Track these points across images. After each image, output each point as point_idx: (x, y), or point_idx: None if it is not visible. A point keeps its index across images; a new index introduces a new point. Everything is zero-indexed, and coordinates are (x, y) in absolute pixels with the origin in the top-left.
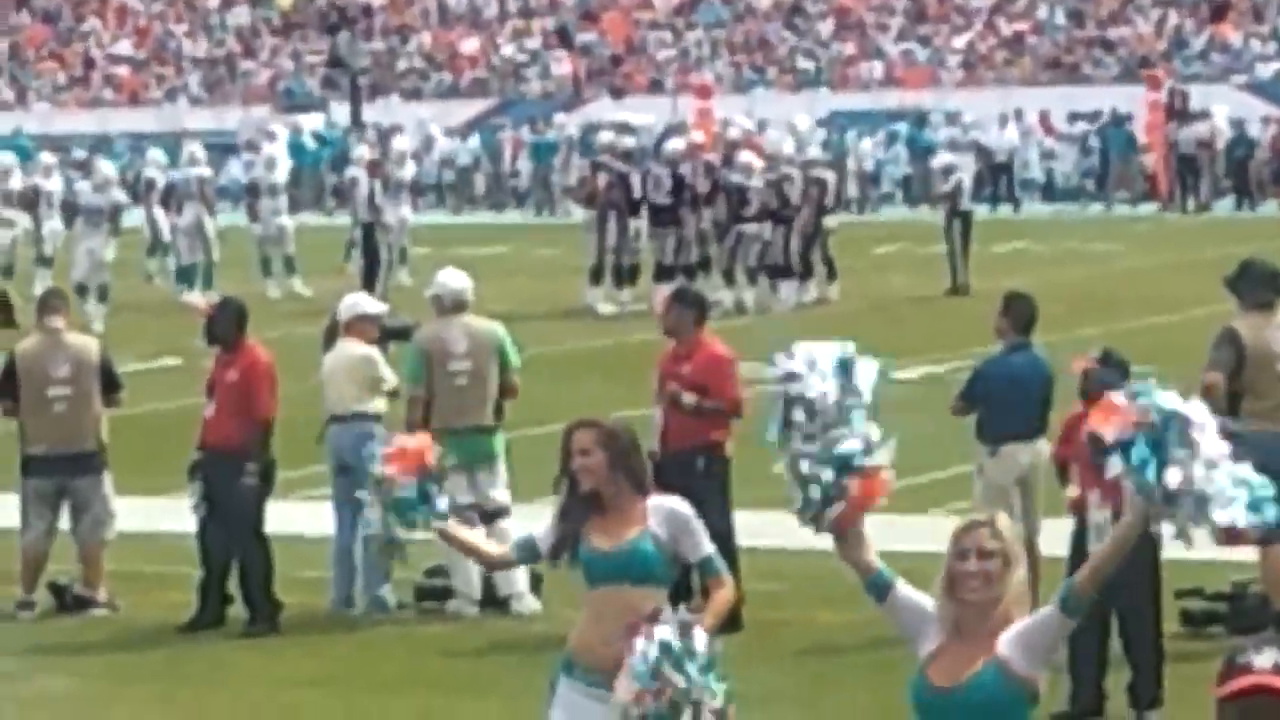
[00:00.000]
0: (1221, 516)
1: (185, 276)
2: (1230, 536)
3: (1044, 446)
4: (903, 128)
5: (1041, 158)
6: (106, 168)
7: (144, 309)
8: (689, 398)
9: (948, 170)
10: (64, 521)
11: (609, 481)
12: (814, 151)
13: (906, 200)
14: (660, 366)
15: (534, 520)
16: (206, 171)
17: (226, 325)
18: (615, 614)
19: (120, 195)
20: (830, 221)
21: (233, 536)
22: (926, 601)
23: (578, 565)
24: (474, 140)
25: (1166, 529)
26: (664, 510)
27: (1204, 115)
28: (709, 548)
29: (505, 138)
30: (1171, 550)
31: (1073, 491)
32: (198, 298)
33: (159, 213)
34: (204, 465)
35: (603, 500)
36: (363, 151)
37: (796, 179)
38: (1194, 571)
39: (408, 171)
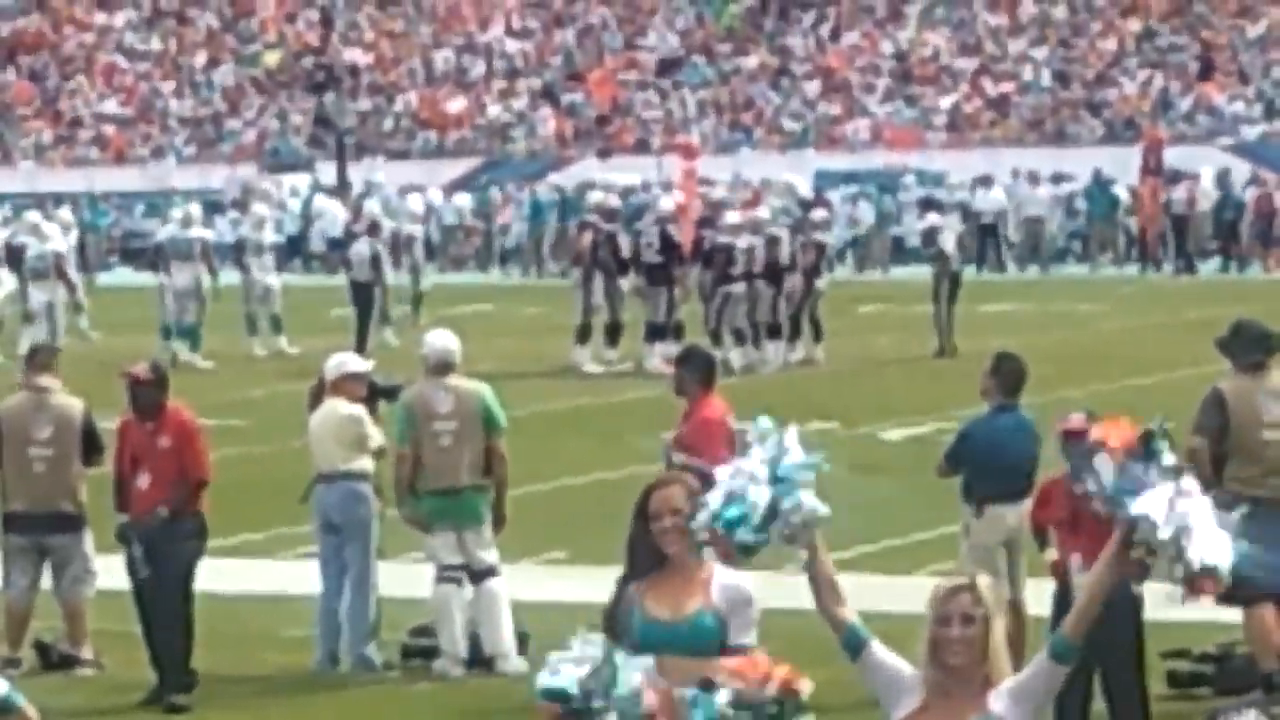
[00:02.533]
0: (1195, 552)
1: (166, 335)
2: (1196, 585)
3: (1030, 508)
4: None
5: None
6: (62, 219)
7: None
8: (678, 456)
9: (933, 232)
10: (47, 580)
11: (693, 544)
12: (814, 213)
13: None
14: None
15: (522, 580)
16: (206, 233)
17: (154, 395)
18: (669, 683)
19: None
20: (820, 283)
21: (169, 600)
22: (901, 664)
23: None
24: (459, 199)
25: (1147, 585)
26: (729, 586)
27: (1191, 176)
28: (751, 639)
29: (499, 197)
30: (1157, 611)
31: (1052, 555)
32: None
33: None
34: (139, 531)
35: (671, 562)
36: (372, 208)
37: (785, 240)
38: (1180, 633)
39: (388, 233)
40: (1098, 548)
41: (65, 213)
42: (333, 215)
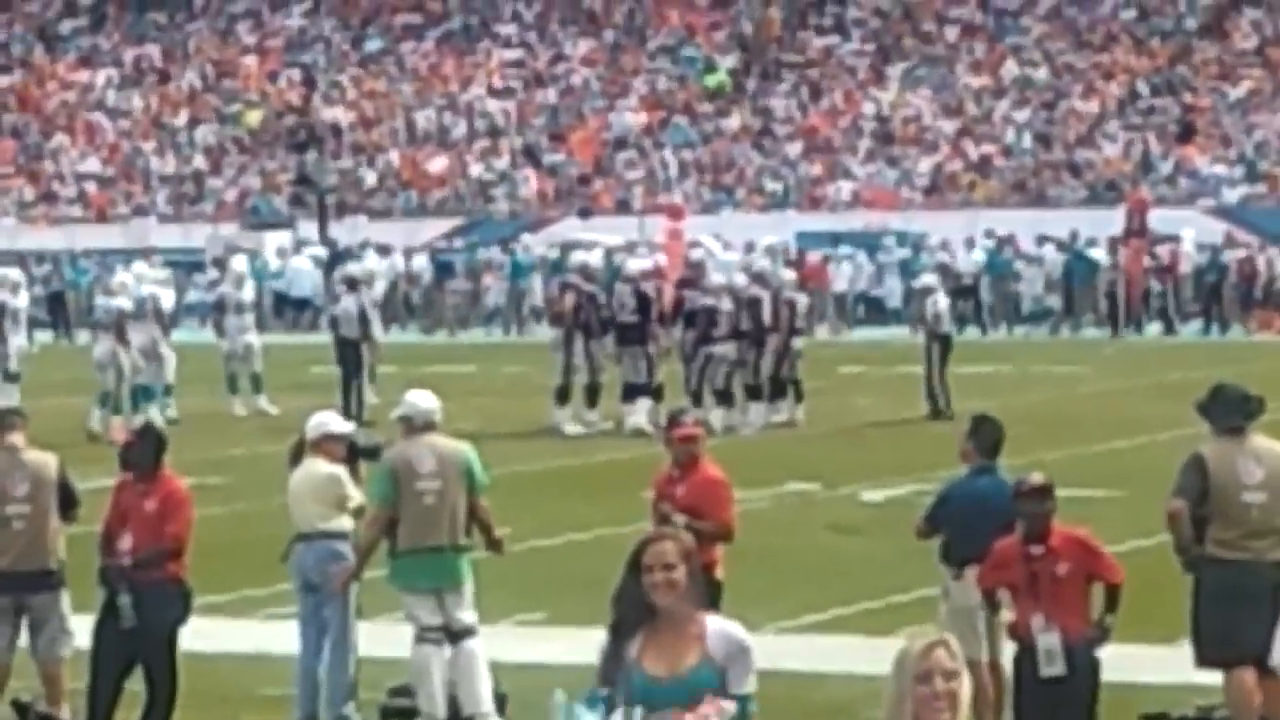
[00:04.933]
0: None
1: (134, 398)
2: None
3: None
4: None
5: (1008, 280)
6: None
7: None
8: (679, 518)
9: (926, 292)
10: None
11: (683, 598)
12: (787, 273)
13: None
14: (655, 487)
15: (501, 640)
16: (158, 291)
17: (145, 454)
18: None
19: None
20: (798, 343)
21: (156, 666)
22: None
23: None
24: (440, 259)
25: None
26: (724, 635)
27: (1172, 238)
28: (751, 686)
29: (484, 257)
30: (1138, 674)
31: (1008, 617)
32: (118, 425)
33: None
34: (126, 581)
35: (662, 617)
36: (348, 269)
37: (767, 300)
38: (1160, 695)
39: (378, 290)
40: (1060, 608)
41: (14, 271)
42: (303, 273)
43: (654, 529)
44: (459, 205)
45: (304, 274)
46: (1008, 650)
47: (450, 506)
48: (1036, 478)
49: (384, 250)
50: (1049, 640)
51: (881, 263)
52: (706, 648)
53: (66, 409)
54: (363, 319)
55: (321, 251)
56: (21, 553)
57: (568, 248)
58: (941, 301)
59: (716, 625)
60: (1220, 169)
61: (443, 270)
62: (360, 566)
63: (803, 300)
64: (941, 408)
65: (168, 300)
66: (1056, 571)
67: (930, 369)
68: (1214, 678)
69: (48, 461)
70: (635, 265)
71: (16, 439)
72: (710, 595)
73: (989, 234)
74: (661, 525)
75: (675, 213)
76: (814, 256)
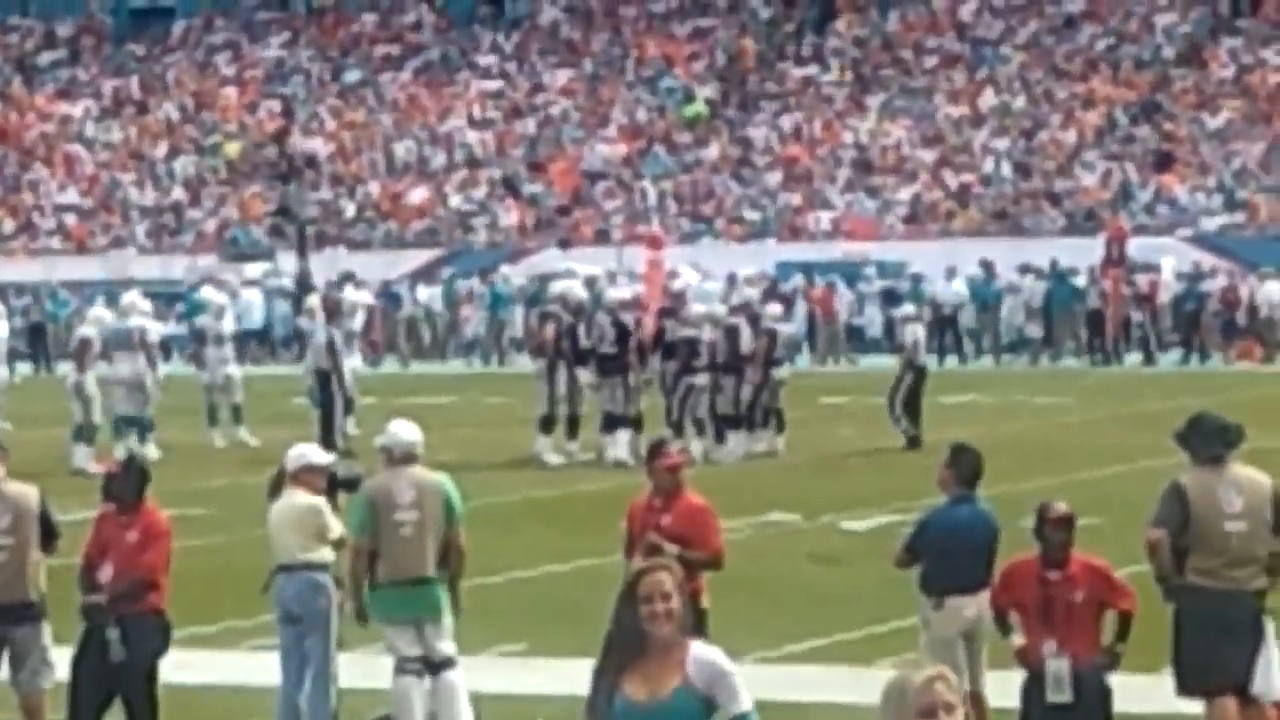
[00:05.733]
0: None
1: (117, 430)
2: None
3: (988, 599)
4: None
5: (987, 309)
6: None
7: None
8: (670, 548)
9: (905, 321)
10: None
11: (677, 627)
12: (773, 306)
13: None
14: (632, 516)
15: (480, 672)
16: (146, 323)
17: (128, 485)
18: None
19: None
20: (780, 373)
21: (136, 699)
22: None
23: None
24: (420, 290)
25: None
26: (704, 661)
27: (1151, 267)
28: (746, 705)
29: (463, 288)
30: (1119, 703)
31: (1016, 640)
32: (92, 459)
33: None
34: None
35: (650, 645)
36: (315, 300)
37: (745, 331)
38: None
39: (357, 321)
40: (1074, 634)
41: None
42: (253, 305)
43: (646, 560)
44: (438, 236)
45: (254, 306)
46: (989, 680)
47: (429, 538)
48: (1062, 506)
49: (345, 279)
50: (1058, 666)
51: (862, 292)
52: (687, 673)
53: (47, 441)
54: (331, 349)
55: (279, 282)
56: (3, 585)
57: (547, 278)
58: (919, 331)
59: (697, 651)
60: (1200, 198)
61: (392, 301)
62: (358, 598)
63: (785, 330)
64: (915, 435)
65: (157, 332)
66: (1073, 598)
67: (895, 395)
68: (1195, 706)
69: (29, 493)
70: (614, 295)
71: None
72: (697, 624)
73: (983, 264)
74: (652, 555)
75: (655, 243)
76: (796, 283)
